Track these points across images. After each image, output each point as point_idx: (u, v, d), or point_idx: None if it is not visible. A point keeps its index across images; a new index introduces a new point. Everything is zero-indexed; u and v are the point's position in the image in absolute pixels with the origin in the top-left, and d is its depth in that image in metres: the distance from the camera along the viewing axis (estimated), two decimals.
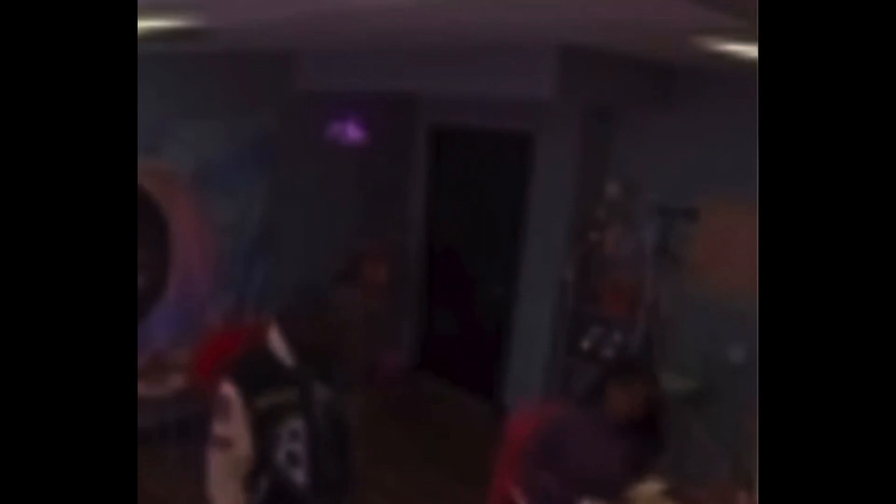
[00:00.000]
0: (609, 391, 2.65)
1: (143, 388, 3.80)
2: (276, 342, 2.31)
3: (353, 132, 5.01)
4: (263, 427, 2.22)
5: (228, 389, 2.22)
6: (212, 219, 4.49)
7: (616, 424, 2.63)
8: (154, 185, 4.10)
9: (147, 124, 3.73)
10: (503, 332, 5.15)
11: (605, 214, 4.52)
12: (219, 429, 2.24)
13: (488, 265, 5.29)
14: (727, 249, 4.00)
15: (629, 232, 4.42)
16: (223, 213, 4.57)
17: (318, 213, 5.08)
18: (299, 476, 2.27)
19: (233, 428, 2.22)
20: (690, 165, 4.20)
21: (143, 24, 2.56)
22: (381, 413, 5.05)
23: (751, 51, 2.67)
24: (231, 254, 4.66)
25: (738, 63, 3.10)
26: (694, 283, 4.19)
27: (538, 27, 2.93)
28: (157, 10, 2.41)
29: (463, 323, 5.53)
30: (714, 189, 4.06)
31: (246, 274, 4.76)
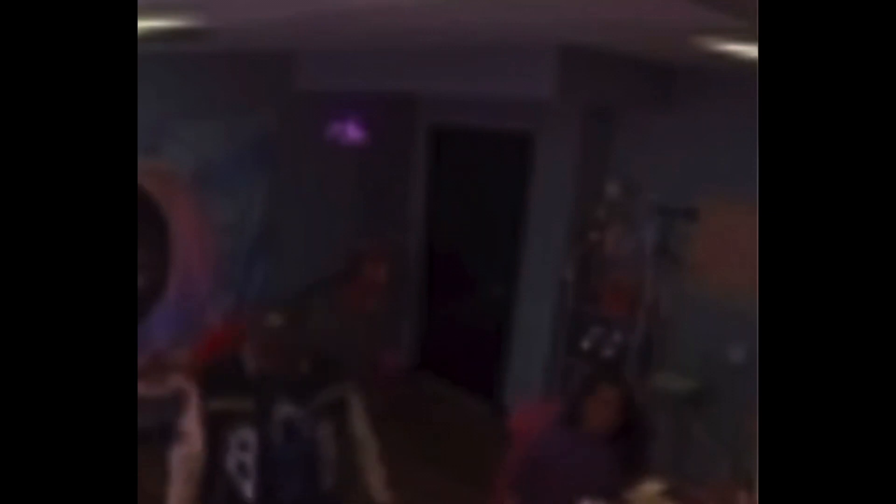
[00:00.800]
0: (584, 407, 2.65)
1: (143, 388, 3.79)
2: (248, 350, 2.31)
3: (353, 132, 5.01)
4: (215, 429, 2.23)
5: (188, 384, 2.28)
6: (212, 219, 4.49)
7: (596, 439, 2.63)
8: (154, 185, 4.10)
9: (147, 124, 3.73)
10: (503, 332, 5.15)
11: (605, 214, 4.52)
12: (178, 422, 2.28)
13: (488, 265, 5.29)
14: (727, 249, 4.00)
15: (629, 232, 4.42)
16: (223, 213, 4.57)
17: (318, 213, 5.08)
18: (248, 489, 2.24)
19: (188, 423, 2.26)
20: (690, 165, 4.20)
21: (143, 24, 2.56)
22: (380, 413, 5.05)
23: (751, 51, 2.67)
24: (231, 254, 4.65)
25: (738, 63, 3.09)
26: (694, 283, 4.19)
27: (538, 27, 2.93)
28: (157, 10, 2.41)
29: (463, 323, 5.53)
30: (714, 189, 4.06)
31: (246, 274, 4.76)
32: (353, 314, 4.12)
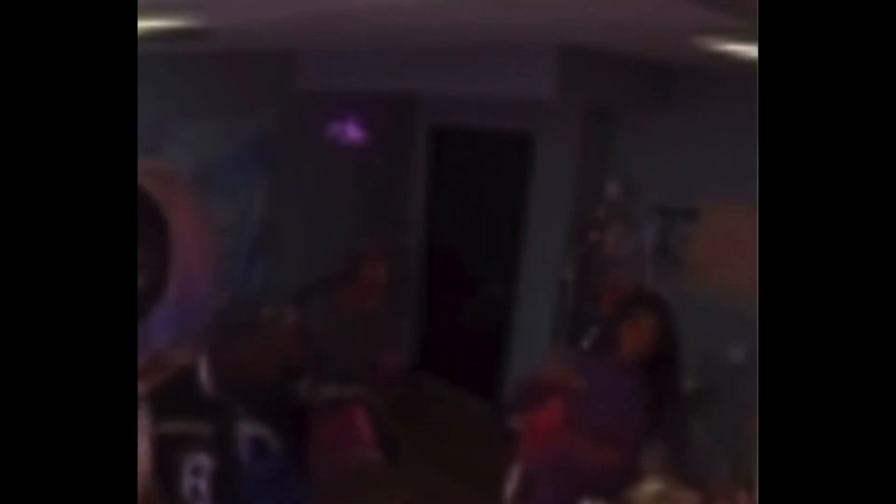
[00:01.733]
0: (618, 331, 2.59)
1: (143, 388, 3.79)
2: (203, 369, 2.12)
3: (353, 132, 5.01)
4: (167, 453, 2.06)
5: (141, 406, 2.13)
6: (212, 219, 4.47)
7: (628, 366, 2.57)
8: (154, 185, 4.06)
9: (147, 124, 3.72)
10: (503, 332, 5.15)
11: (605, 214, 4.52)
12: None
13: (488, 265, 5.29)
14: (727, 249, 4.00)
15: (629, 232, 4.42)
16: (223, 213, 4.56)
17: (318, 213, 5.08)
18: None
19: (141, 445, 2.14)
20: (690, 165, 4.20)
21: (143, 24, 2.56)
22: (380, 413, 5.05)
23: (751, 51, 2.67)
24: (231, 254, 4.65)
25: (738, 63, 3.09)
26: (694, 283, 4.19)
27: (538, 27, 2.92)
28: (157, 10, 2.41)
29: (463, 323, 5.53)
30: (714, 189, 4.06)
31: (246, 274, 4.76)
32: (353, 314, 4.11)
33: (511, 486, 2.94)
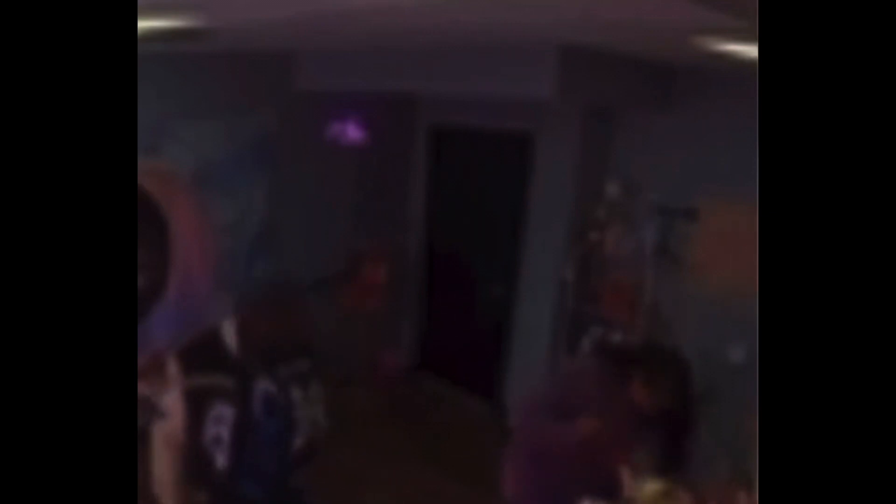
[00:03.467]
0: (631, 381, 2.51)
1: (143, 388, 3.79)
2: (227, 329, 2.38)
3: (353, 132, 5.01)
4: (195, 405, 2.33)
5: (171, 363, 2.39)
6: (212, 219, 4.49)
7: (641, 416, 2.52)
8: (154, 185, 4.09)
9: (147, 124, 3.72)
10: (503, 332, 5.15)
11: (605, 214, 4.52)
12: (160, 400, 2.40)
13: (488, 265, 5.29)
14: (727, 249, 4.00)
15: (629, 232, 4.42)
16: (223, 213, 4.56)
17: (318, 213, 5.08)
18: (221, 459, 2.34)
19: (170, 400, 2.37)
20: (690, 165, 4.20)
21: (143, 24, 2.56)
22: (381, 413, 5.05)
23: (751, 51, 2.67)
24: (231, 254, 4.65)
25: (738, 63, 3.09)
26: (694, 283, 4.19)
27: (538, 27, 2.93)
28: (157, 10, 2.41)
29: (463, 323, 5.53)
30: (714, 189, 4.06)
31: (246, 274, 4.76)
32: (353, 314, 4.12)
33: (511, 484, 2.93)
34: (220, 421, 2.33)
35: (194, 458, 2.37)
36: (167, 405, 2.38)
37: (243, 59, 4.37)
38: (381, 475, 4.14)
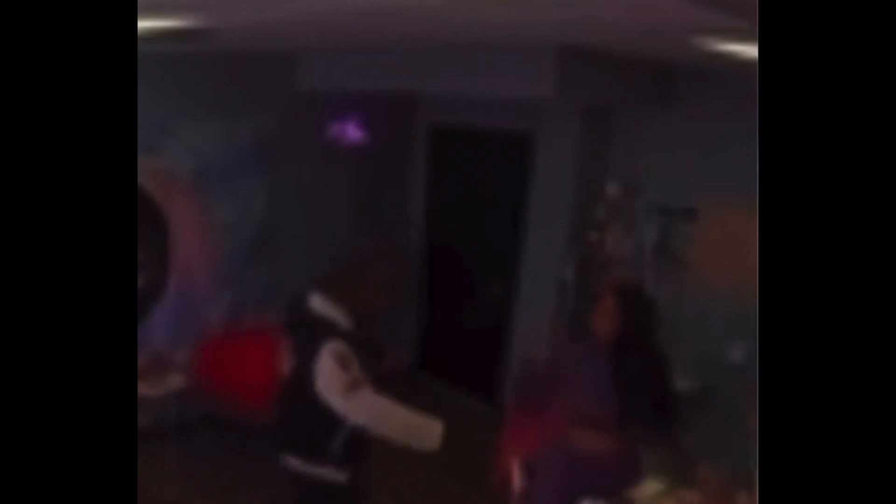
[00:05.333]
0: (590, 317, 2.75)
1: (143, 388, 3.80)
2: (318, 302, 2.58)
3: (353, 132, 5.01)
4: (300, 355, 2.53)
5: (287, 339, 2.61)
6: (212, 219, 4.49)
7: (603, 349, 2.69)
8: (154, 185, 4.09)
9: (147, 124, 3.73)
10: (503, 332, 5.15)
11: (605, 214, 4.52)
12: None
13: (488, 265, 5.29)
14: (727, 249, 4.00)
15: (629, 232, 4.42)
16: (223, 213, 4.57)
17: (317, 213, 5.08)
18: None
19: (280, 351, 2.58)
20: (690, 165, 4.20)
21: (143, 24, 2.56)
22: None
23: (751, 51, 2.67)
24: (231, 254, 4.66)
25: (738, 63, 3.09)
26: (694, 283, 4.19)
27: (538, 27, 2.93)
28: (157, 10, 2.41)
29: (463, 323, 5.53)
30: (714, 189, 4.05)
31: (246, 274, 4.76)
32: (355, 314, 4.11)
33: (512, 483, 2.94)
34: None
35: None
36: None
37: (243, 59, 4.37)
38: (380, 475, 4.14)
